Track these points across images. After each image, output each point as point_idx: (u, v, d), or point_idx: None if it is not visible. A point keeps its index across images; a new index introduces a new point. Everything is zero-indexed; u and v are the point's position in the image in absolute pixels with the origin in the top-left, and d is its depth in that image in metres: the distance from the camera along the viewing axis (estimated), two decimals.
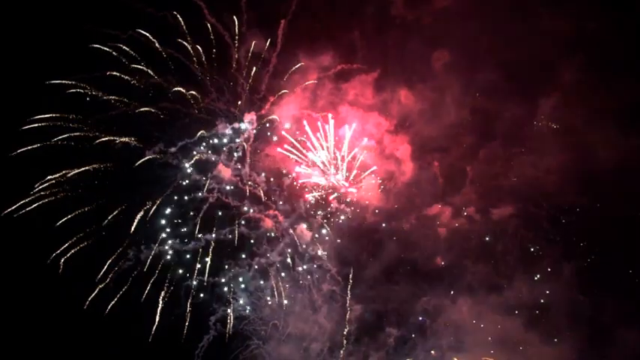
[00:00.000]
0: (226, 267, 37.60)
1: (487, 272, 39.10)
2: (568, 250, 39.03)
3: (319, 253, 38.36)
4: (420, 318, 39.45)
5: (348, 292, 38.45)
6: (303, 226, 38.07)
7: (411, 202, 39.38)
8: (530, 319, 38.32)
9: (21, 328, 35.42)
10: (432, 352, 38.91)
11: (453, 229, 39.60)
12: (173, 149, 36.41)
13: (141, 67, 35.75)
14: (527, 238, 39.41)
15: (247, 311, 38.12)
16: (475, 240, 39.61)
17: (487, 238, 39.58)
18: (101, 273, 35.15)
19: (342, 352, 38.46)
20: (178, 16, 35.96)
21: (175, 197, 36.73)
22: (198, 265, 36.76)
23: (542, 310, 38.55)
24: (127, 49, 35.34)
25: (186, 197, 36.82)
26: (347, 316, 38.56)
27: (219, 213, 37.27)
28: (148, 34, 35.59)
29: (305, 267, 38.56)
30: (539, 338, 38.24)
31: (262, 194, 37.57)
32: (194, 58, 36.47)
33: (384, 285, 39.33)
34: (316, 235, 38.47)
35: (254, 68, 37.13)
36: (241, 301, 38.06)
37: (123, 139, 35.40)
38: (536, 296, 38.69)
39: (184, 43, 36.18)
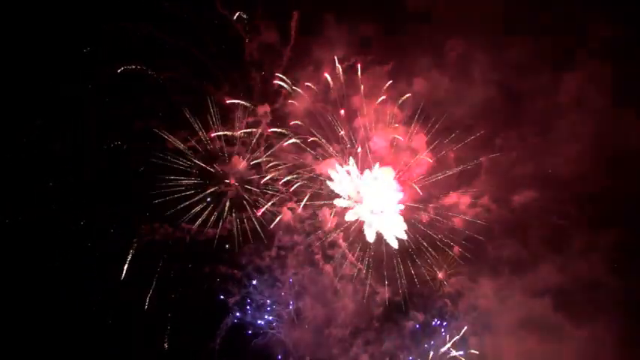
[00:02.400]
0: (244, 256, 38.05)
1: (512, 254, 39.12)
2: (597, 232, 38.59)
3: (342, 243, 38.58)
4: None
5: (369, 277, 38.79)
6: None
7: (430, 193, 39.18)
8: (559, 301, 38.39)
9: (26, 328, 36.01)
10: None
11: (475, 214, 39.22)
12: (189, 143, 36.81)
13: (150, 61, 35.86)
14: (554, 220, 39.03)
15: (266, 298, 38.71)
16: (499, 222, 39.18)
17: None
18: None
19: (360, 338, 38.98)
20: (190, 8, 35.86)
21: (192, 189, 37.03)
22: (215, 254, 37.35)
23: (571, 293, 38.35)
24: (136, 42, 35.26)
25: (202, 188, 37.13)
26: (368, 301, 39.06)
27: (236, 203, 37.68)
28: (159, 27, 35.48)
29: (326, 253, 38.78)
30: (568, 321, 38.45)
31: (279, 185, 37.88)
32: (206, 52, 36.41)
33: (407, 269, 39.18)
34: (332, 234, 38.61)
35: (267, 61, 37.20)
36: (260, 289, 38.58)
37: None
38: (564, 278, 38.51)
39: (196, 35, 36.07)
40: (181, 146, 36.46)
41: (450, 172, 38.74)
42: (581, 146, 38.30)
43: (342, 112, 37.53)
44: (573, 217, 38.86)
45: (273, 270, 38.40)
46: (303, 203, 37.71)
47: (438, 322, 40.02)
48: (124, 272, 35.50)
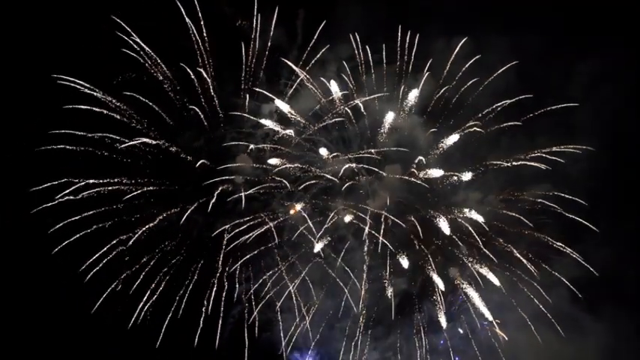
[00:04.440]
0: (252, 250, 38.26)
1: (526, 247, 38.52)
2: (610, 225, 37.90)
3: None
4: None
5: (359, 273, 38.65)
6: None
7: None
8: (573, 294, 37.88)
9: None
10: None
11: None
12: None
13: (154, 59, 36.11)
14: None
15: (274, 292, 38.83)
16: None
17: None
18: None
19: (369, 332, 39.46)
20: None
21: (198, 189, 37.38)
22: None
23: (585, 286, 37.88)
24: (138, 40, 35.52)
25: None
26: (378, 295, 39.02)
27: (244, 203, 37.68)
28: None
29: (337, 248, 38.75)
30: (582, 314, 38.35)
31: (288, 185, 37.93)
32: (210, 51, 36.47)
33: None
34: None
35: (272, 60, 37.06)
36: (268, 282, 38.71)
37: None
38: (578, 271, 37.97)
39: (201, 34, 36.11)
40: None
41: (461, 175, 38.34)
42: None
43: (349, 110, 37.53)
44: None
45: (283, 264, 38.74)
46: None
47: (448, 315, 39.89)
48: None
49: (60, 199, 34.32)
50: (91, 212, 35.03)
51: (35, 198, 34.35)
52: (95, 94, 34.90)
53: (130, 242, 35.53)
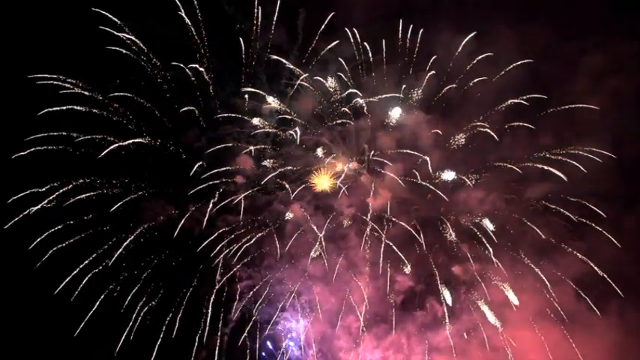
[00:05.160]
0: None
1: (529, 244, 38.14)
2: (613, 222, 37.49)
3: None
4: None
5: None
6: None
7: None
8: (575, 292, 37.58)
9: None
10: None
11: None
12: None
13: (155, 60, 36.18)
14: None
15: (276, 290, 39.07)
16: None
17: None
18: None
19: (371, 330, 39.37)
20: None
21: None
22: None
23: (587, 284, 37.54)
24: (138, 41, 35.54)
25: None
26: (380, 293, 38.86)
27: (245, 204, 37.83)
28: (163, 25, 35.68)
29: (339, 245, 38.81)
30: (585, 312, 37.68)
31: (288, 187, 37.84)
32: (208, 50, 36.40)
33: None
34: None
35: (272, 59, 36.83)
36: (270, 281, 38.96)
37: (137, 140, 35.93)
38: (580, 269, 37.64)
39: (201, 35, 36.08)
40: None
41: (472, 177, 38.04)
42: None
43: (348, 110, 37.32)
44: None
45: (285, 263, 39.00)
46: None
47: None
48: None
49: (57, 203, 34.71)
50: (90, 215, 35.34)
51: (32, 199, 34.81)
52: (89, 95, 35.12)
53: (126, 243, 35.74)
